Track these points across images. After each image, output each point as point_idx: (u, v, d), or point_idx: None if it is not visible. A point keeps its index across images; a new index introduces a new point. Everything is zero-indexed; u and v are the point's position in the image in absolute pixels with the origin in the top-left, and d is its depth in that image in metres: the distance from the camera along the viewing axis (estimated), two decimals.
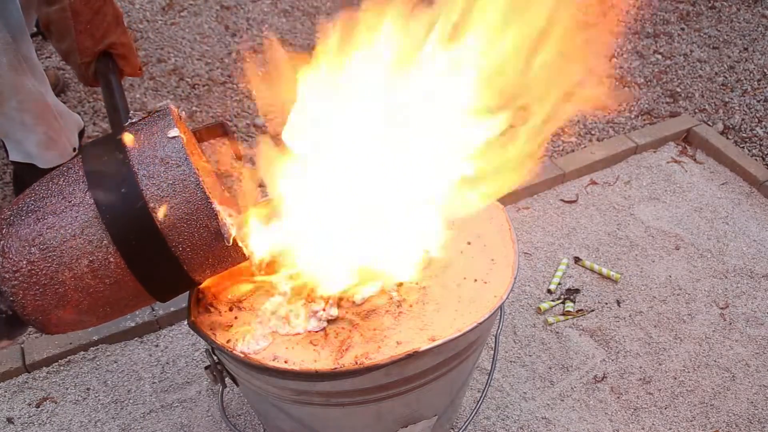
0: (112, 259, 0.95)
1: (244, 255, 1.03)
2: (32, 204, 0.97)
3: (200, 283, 1.07)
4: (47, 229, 0.94)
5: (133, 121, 1.02)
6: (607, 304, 1.92)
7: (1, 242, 0.95)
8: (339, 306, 1.12)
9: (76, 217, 0.94)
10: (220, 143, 1.20)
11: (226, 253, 1.01)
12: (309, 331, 1.08)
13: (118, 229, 0.94)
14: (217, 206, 0.97)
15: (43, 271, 0.94)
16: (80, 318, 1.00)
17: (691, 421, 1.66)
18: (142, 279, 0.98)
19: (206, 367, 1.24)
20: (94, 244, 0.94)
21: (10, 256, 0.94)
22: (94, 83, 1.30)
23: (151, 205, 0.93)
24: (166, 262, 0.97)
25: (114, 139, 0.99)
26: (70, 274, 0.95)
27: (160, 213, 0.94)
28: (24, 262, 0.94)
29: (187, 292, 1.14)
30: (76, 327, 1.03)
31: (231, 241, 0.98)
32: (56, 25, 1.26)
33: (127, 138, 0.98)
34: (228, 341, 1.08)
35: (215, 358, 1.21)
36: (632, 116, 2.58)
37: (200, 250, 0.98)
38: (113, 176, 0.95)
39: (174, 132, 0.97)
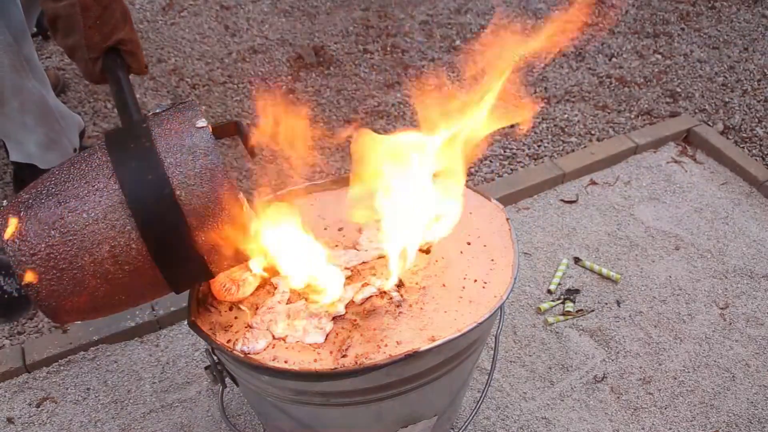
0: (134, 246, 0.94)
1: (261, 248, 1.03)
2: (53, 188, 0.95)
3: (214, 275, 1.06)
4: (69, 212, 0.93)
5: (157, 111, 1.01)
6: (607, 304, 1.92)
7: (20, 225, 0.93)
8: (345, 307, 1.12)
9: (100, 201, 0.93)
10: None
11: (246, 245, 1.00)
12: (311, 344, 1.08)
13: (143, 215, 0.93)
14: (242, 197, 0.97)
15: (62, 255, 0.93)
16: (95, 305, 0.99)
17: (691, 421, 1.66)
18: (162, 267, 0.97)
19: (206, 367, 1.24)
20: (117, 230, 0.93)
21: (29, 239, 0.92)
22: (101, 80, 1.29)
23: (178, 192, 0.93)
24: (188, 251, 0.96)
25: (140, 126, 0.98)
26: (90, 259, 0.93)
27: (187, 201, 0.93)
28: (42, 246, 0.92)
29: (188, 292, 1.14)
30: (87, 316, 1.02)
31: (254, 232, 0.98)
32: (64, 20, 1.25)
33: (154, 126, 0.97)
34: (228, 341, 1.08)
35: (215, 358, 1.22)
36: (632, 116, 2.58)
37: (223, 239, 0.97)
38: (140, 163, 0.94)
39: (202, 122, 0.97)
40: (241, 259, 1.04)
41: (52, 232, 0.93)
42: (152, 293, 1.03)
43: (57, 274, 0.94)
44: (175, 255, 0.97)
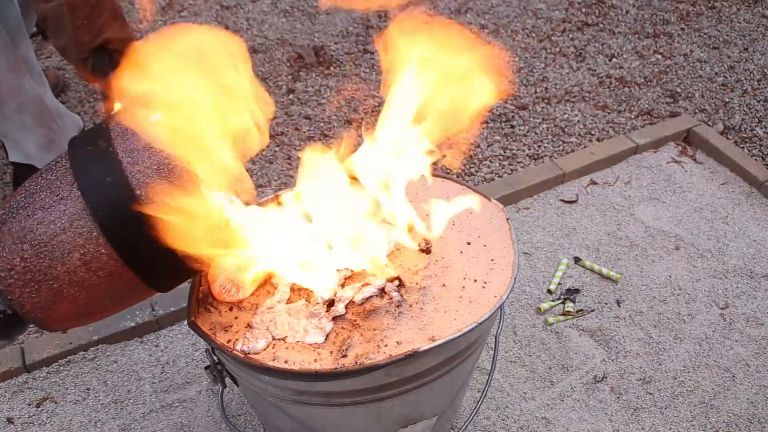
0: (103, 251, 0.93)
1: (241, 238, 1.01)
2: (23, 201, 0.95)
3: (197, 271, 1.04)
4: (37, 224, 0.93)
5: (120, 109, 1.00)
6: (607, 304, 1.92)
7: None
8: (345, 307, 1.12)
9: (65, 210, 0.93)
10: None
11: (221, 236, 0.99)
12: (311, 344, 1.08)
13: (106, 219, 0.92)
14: (205, 187, 0.95)
15: (37, 268, 0.93)
16: (79, 312, 0.98)
17: (691, 421, 1.66)
18: (136, 269, 0.96)
19: (206, 367, 1.24)
20: (84, 237, 0.93)
21: (4, 254, 0.93)
22: (93, 79, 1.29)
23: (138, 192, 0.91)
24: (159, 250, 0.94)
25: (99, 128, 0.97)
26: (63, 268, 0.93)
27: (148, 199, 0.91)
28: (17, 260, 0.93)
29: (189, 290, 1.14)
30: (78, 322, 1.01)
31: (225, 223, 0.97)
32: (53, 21, 1.26)
33: (112, 126, 0.96)
34: (228, 341, 1.08)
35: (215, 358, 1.21)
36: (632, 116, 2.58)
37: (192, 233, 0.94)
38: (98, 166, 0.93)
39: (157, 116, 0.95)
40: (219, 251, 1.01)
41: (24, 245, 0.92)
42: (137, 295, 1.02)
43: (35, 287, 0.94)
44: (146, 256, 0.95)
